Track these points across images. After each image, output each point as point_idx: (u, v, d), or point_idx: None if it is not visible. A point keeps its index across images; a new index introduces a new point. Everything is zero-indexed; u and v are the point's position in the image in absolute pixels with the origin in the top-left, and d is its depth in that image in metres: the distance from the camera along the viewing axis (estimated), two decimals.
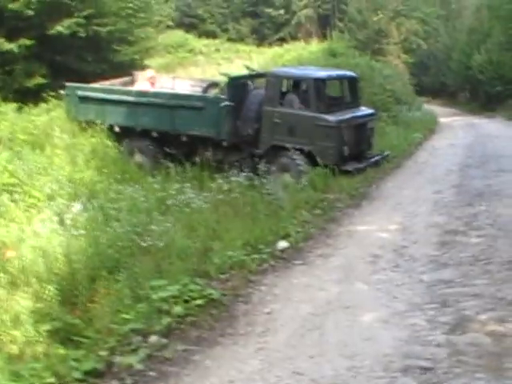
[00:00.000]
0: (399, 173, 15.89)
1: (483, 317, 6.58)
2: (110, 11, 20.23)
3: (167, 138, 14.58)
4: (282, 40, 48.54)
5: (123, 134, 14.92)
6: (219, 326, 6.51)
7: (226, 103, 13.61)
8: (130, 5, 21.48)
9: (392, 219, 10.96)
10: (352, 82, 15.09)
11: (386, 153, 15.23)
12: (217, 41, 46.77)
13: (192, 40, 45.02)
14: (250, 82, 14.84)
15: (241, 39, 51.39)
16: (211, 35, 50.71)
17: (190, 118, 14.12)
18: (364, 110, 14.93)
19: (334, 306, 6.99)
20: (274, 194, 11.21)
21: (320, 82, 13.69)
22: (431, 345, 6.01)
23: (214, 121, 13.81)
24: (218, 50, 42.56)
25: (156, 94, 15.26)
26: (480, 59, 44.86)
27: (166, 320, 6.31)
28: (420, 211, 11.47)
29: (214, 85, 15.95)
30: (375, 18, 48.31)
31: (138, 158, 14.65)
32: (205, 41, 45.47)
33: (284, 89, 14.06)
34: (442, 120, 33.90)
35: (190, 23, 53.64)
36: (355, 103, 14.78)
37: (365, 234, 10.05)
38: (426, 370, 5.52)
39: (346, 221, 10.94)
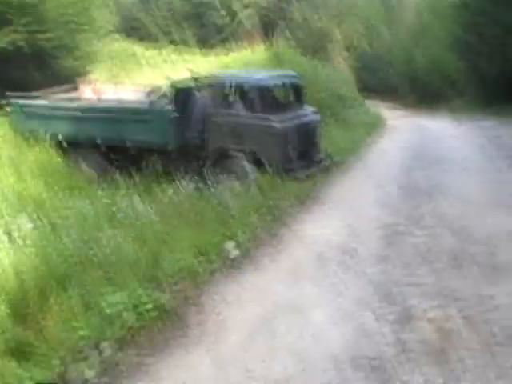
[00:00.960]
0: (348, 175, 16.00)
1: (430, 313, 6.76)
2: (48, 18, 20.01)
3: (115, 149, 14.48)
4: (226, 44, 48.70)
5: (71, 147, 14.78)
6: (170, 331, 6.55)
7: (173, 115, 13.62)
8: (70, 11, 21.27)
9: (341, 221, 11.05)
10: (295, 84, 15.13)
11: (333, 156, 15.40)
12: (159, 44, 46.60)
13: (134, 44, 44.76)
14: (194, 87, 14.83)
15: (184, 42, 51.29)
16: (153, 39, 50.51)
17: (137, 129, 14.12)
18: (309, 112, 15.02)
19: (284, 309, 7.08)
20: (223, 201, 11.23)
21: (263, 86, 13.79)
22: (380, 341, 6.14)
23: (162, 131, 13.84)
24: (160, 54, 42.38)
25: (102, 108, 15.18)
26: (424, 60, 45.70)
27: (117, 328, 6.33)
28: (368, 212, 11.60)
29: (156, 90, 15.94)
30: (319, 22, 48.76)
31: (86, 169, 14.54)
32: (147, 45, 45.24)
33: (229, 93, 13.91)
34: (389, 121, 34.29)
35: (131, 27, 53.30)
36: (300, 105, 14.86)
37: (314, 236, 10.12)
38: (375, 366, 5.66)
39: (295, 225, 10.99)
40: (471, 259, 8.48)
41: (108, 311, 6.52)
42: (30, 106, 15.68)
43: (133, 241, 8.70)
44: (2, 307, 6.54)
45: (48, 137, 14.45)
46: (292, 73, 16.22)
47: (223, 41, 49.68)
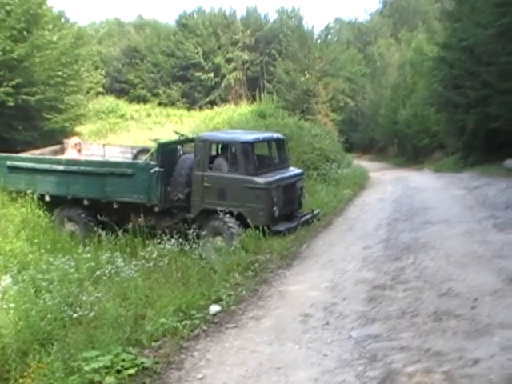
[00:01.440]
0: (330, 230, 16.16)
1: (410, 369, 6.78)
2: (38, 80, 20.29)
3: (99, 206, 14.53)
4: (213, 103, 49.33)
5: (54, 203, 14.85)
6: None
7: (157, 169, 13.74)
8: (59, 73, 21.59)
9: (322, 277, 11.15)
10: (279, 143, 15.45)
11: (316, 211, 15.54)
12: (148, 105, 47.10)
13: (123, 105, 45.26)
14: (179, 147, 15.02)
15: (172, 103, 51.94)
16: (142, 100, 51.12)
17: (120, 184, 14.23)
18: (292, 170, 15.31)
19: (265, 368, 7.10)
20: (206, 258, 11.31)
21: (248, 145, 13.94)
22: None
23: (145, 187, 13.95)
24: (149, 115, 42.88)
25: (86, 163, 15.24)
26: (406, 114, 46.40)
27: None
28: (349, 268, 11.69)
29: (144, 151, 16.11)
30: (303, 79, 49.52)
31: (70, 226, 14.57)
32: (136, 106, 45.78)
33: (213, 153, 14.25)
34: (372, 175, 34.65)
35: (120, 89, 54.05)
36: (284, 164, 15.16)
37: (296, 293, 10.19)
38: None
39: (277, 281, 11.08)
40: (451, 314, 8.54)
41: (90, 376, 6.53)
42: (13, 158, 15.70)
43: (114, 298, 8.76)
44: None
45: (32, 192, 14.52)
46: (277, 133, 16.62)
47: (211, 102, 50.38)
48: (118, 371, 6.72)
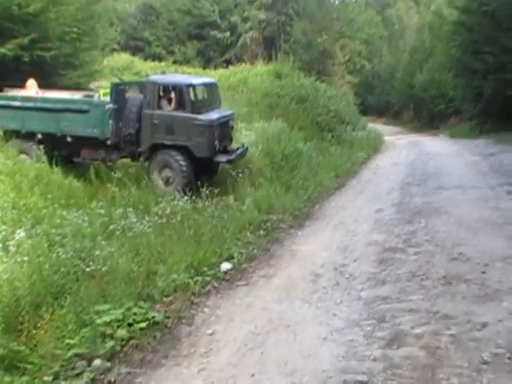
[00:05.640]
0: (342, 192, 16.21)
1: (418, 330, 6.87)
2: (54, 35, 20.15)
3: (51, 140, 15.21)
4: (228, 62, 48.85)
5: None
6: (162, 348, 6.64)
7: (111, 105, 14.73)
8: (75, 29, 21.39)
9: (334, 238, 11.23)
10: (214, 86, 16.69)
11: (245, 146, 16.48)
12: (163, 63, 46.70)
13: (138, 62, 44.84)
14: (129, 86, 16.56)
15: (187, 61, 51.46)
16: (157, 58, 50.72)
17: (75, 120, 15.04)
18: (226, 110, 16.63)
19: (275, 325, 7.18)
20: (218, 216, 11.41)
21: (192, 88, 15.02)
22: (368, 359, 6.26)
23: (99, 121, 14.87)
24: (164, 73, 42.65)
25: (41, 99, 15.83)
26: (422, 78, 45.99)
27: (109, 344, 6.43)
28: (361, 230, 11.75)
29: (88, 96, 16.85)
30: (319, 40, 49.02)
31: (25, 158, 15.00)
32: (151, 63, 45.33)
33: (161, 94, 15.14)
34: (387, 138, 34.51)
35: (135, 46, 53.61)
36: (217, 105, 16.40)
37: (307, 253, 10.27)
38: (363, 382, 5.76)
39: (288, 241, 11.17)
40: (461, 278, 8.57)
41: (102, 328, 6.64)
42: None
43: (127, 253, 8.84)
44: None
45: None
46: (212, 78, 18.73)
47: (226, 61, 49.98)
48: (130, 324, 6.82)
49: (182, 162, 14.40)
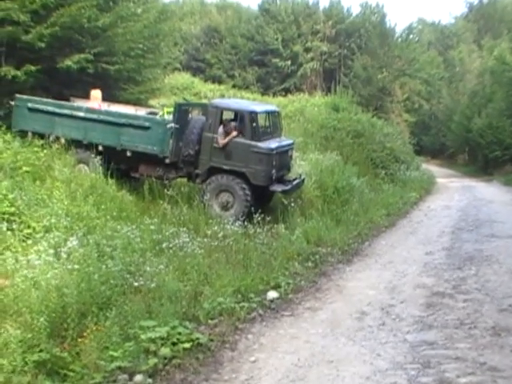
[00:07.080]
0: (393, 231, 16.08)
1: (463, 380, 6.70)
2: (119, 50, 20.52)
3: (111, 153, 15.36)
4: (287, 90, 49.16)
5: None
6: (204, 370, 6.62)
7: (172, 125, 14.82)
8: (140, 45, 21.77)
9: (382, 277, 11.11)
10: (276, 115, 16.67)
11: (302, 177, 16.38)
12: (222, 86, 47.20)
13: (198, 83, 45.45)
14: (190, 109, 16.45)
15: (246, 87, 51.96)
16: (217, 80, 51.31)
17: (136, 135, 15.21)
18: (286, 140, 16.65)
19: (317, 359, 7.10)
20: (267, 244, 11.43)
21: (254, 115, 15.02)
22: None
23: (160, 139, 14.99)
24: (222, 96, 43.03)
25: (105, 112, 16.07)
26: (480, 123, 45.44)
27: (152, 361, 6.44)
28: (410, 271, 11.61)
29: (152, 113, 17.04)
30: (380, 76, 49.02)
31: (84, 169, 15.19)
32: (210, 85, 45.89)
33: (223, 118, 15.23)
34: (439, 181, 34.19)
35: (197, 67, 54.36)
36: (278, 133, 16.31)
37: (354, 290, 10.18)
38: None
39: (336, 275, 11.09)
40: (510, 331, 8.38)
41: (146, 344, 6.66)
42: (34, 101, 16.22)
43: (175, 272, 8.89)
44: (42, 325, 6.68)
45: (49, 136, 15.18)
46: (274, 107, 18.47)
47: (285, 89, 50.25)
48: (174, 343, 6.83)
49: (247, 190, 14.34)
